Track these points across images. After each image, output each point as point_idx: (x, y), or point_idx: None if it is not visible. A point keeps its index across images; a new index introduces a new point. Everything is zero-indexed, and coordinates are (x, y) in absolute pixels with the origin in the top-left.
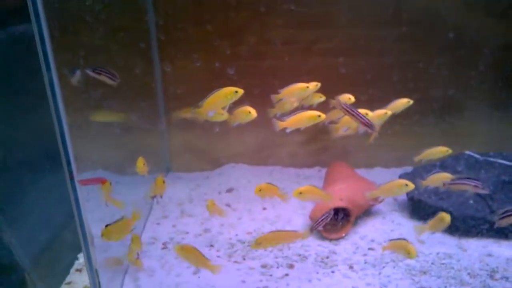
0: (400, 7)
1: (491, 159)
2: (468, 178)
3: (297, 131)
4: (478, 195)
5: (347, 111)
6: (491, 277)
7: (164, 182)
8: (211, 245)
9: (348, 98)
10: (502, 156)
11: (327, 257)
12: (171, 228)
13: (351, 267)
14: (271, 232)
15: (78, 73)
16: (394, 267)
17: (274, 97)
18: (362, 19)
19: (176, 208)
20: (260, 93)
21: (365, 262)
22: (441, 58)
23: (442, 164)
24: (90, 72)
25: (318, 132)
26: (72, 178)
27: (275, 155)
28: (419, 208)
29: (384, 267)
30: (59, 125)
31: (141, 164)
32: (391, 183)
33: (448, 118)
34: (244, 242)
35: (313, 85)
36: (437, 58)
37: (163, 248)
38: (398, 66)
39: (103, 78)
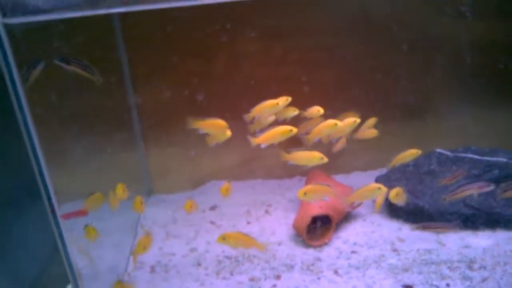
0: (366, 15)
1: (461, 155)
2: (468, 183)
3: (274, 144)
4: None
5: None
6: (470, 268)
7: (142, 202)
8: (199, 264)
9: (317, 110)
10: (471, 151)
11: (313, 264)
12: (157, 251)
13: (336, 272)
14: (237, 233)
15: (42, 65)
16: (377, 268)
17: (246, 117)
18: (328, 30)
19: (160, 230)
20: (233, 111)
21: (349, 266)
22: (409, 62)
23: (415, 164)
24: (59, 63)
25: (295, 142)
26: (54, 213)
27: (255, 169)
28: (396, 208)
29: (367, 268)
30: (37, 162)
31: (120, 190)
32: (365, 188)
33: (417, 119)
34: (231, 258)
35: (283, 100)
36: (405, 62)
37: (151, 272)
38: (368, 74)
39: (74, 68)
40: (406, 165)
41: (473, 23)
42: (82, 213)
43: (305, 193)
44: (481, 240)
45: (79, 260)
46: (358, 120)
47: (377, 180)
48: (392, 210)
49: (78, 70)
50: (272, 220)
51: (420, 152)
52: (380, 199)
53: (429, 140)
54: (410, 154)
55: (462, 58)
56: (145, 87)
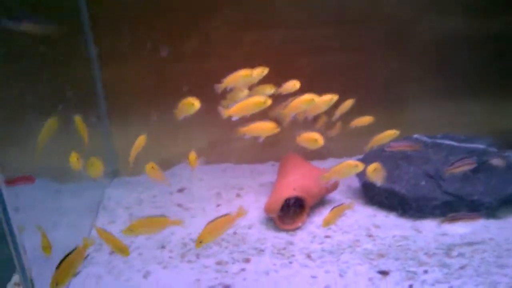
0: (342, 6)
1: (438, 141)
2: (462, 158)
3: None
4: (429, 176)
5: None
6: (448, 255)
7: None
8: (163, 247)
9: (293, 84)
10: (449, 137)
11: (284, 248)
12: (119, 234)
13: (308, 256)
14: (145, 218)
15: None
16: (351, 253)
17: (218, 87)
18: (304, 19)
19: (124, 213)
20: (207, 92)
21: (323, 250)
22: (382, 54)
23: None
24: (8, 23)
25: (273, 121)
26: None
27: (227, 153)
28: (372, 193)
29: (342, 253)
30: None
31: (74, 158)
32: (341, 164)
33: (391, 107)
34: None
35: (259, 71)
36: (378, 54)
37: (110, 253)
38: (341, 62)
39: (27, 28)
40: (381, 150)
41: (446, 19)
42: (28, 179)
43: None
44: (458, 228)
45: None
46: (336, 97)
47: None
48: (367, 196)
49: (31, 27)
50: (243, 204)
51: (397, 132)
52: (331, 216)
53: (404, 128)
54: (388, 135)
55: (435, 52)
56: (113, 61)
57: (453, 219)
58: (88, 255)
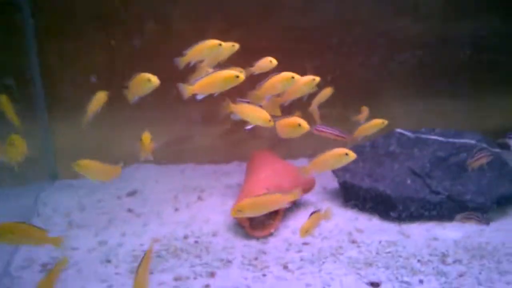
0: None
1: (423, 136)
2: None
3: (211, 122)
4: (415, 173)
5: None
6: (443, 262)
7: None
8: (108, 261)
9: (269, 61)
10: (435, 132)
11: (256, 258)
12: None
13: (285, 267)
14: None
15: None
16: (335, 262)
17: (179, 60)
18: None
19: (62, 220)
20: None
21: (302, 260)
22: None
23: (373, 144)
24: None
25: (234, 123)
26: None
27: (186, 152)
28: (352, 193)
29: (324, 262)
30: None
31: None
32: (328, 153)
33: (371, 103)
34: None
35: (228, 45)
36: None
37: (41, 271)
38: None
39: None
40: (362, 146)
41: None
42: None
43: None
44: (449, 232)
45: None
46: (318, 79)
47: None
48: (346, 197)
49: None
50: (205, 207)
51: (385, 122)
52: (309, 224)
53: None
54: (375, 124)
55: (412, 54)
56: (53, 47)
57: (467, 218)
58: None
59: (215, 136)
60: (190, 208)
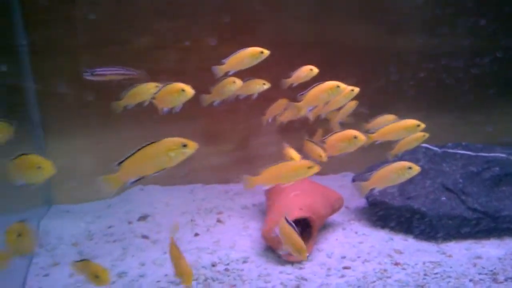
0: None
1: (451, 151)
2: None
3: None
4: (449, 190)
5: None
6: (495, 280)
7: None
8: None
9: (309, 69)
10: (462, 146)
11: (298, 286)
12: (68, 279)
13: None
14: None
15: None
16: (384, 286)
17: (217, 69)
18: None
19: (70, 250)
20: None
21: (349, 285)
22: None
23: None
24: None
25: (244, 139)
26: None
27: (192, 172)
28: (383, 212)
29: (373, 287)
30: None
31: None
32: (388, 167)
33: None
34: (179, 284)
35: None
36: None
37: None
38: None
39: None
40: (386, 162)
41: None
42: None
43: None
44: (490, 250)
45: None
46: (357, 89)
47: (355, 179)
48: (375, 216)
49: None
50: (227, 231)
51: (427, 135)
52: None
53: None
54: (416, 138)
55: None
56: (48, 63)
57: None
58: None
59: (220, 155)
60: (211, 232)
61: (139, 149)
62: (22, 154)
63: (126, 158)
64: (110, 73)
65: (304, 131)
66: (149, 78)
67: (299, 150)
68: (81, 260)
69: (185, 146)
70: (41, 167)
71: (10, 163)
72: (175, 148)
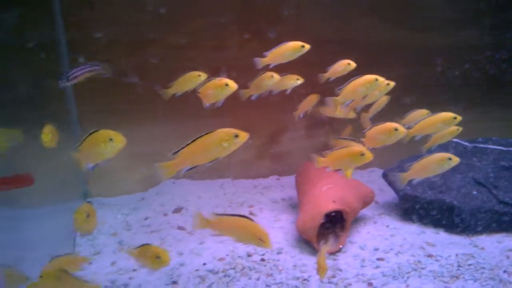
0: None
1: (481, 145)
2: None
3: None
4: (480, 184)
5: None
6: None
7: (88, 215)
8: (174, 282)
9: (347, 64)
10: (492, 141)
11: (333, 276)
12: (109, 267)
13: (370, 284)
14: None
15: None
16: (419, 276)
17: (259, 61)
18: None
19: (110, 240)
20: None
21: (384, 275)
22: None
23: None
24: None
25: (274, 134)
26: None
27: (221, 167)
28: (414, 206)
29: (408, 277)
30: None
31: (47, 135)
32: (428, 158)
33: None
34: (217, 272)
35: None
36: None
37: None
38: None
39: None
40: (418, 157)
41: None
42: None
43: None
44: None
45: None
46: (392, 83)
47: (385, 173)
48: (407, 209)
49: None
50: (260, 223)
51: (460, 129)
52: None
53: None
54: (450, 132)
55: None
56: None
57: None
58: None
59: (251, 150)
60: None
61: (194, 140)
62: (93, 132)
63: (183, 148)
64: (81, 73)
65: (328, 128)
66: (113, 70)
67: (325, 146)
68: (142, 245)
69: (237, 136)
70: (112, 139)
71: (77, 149)
72: (228, 139)
